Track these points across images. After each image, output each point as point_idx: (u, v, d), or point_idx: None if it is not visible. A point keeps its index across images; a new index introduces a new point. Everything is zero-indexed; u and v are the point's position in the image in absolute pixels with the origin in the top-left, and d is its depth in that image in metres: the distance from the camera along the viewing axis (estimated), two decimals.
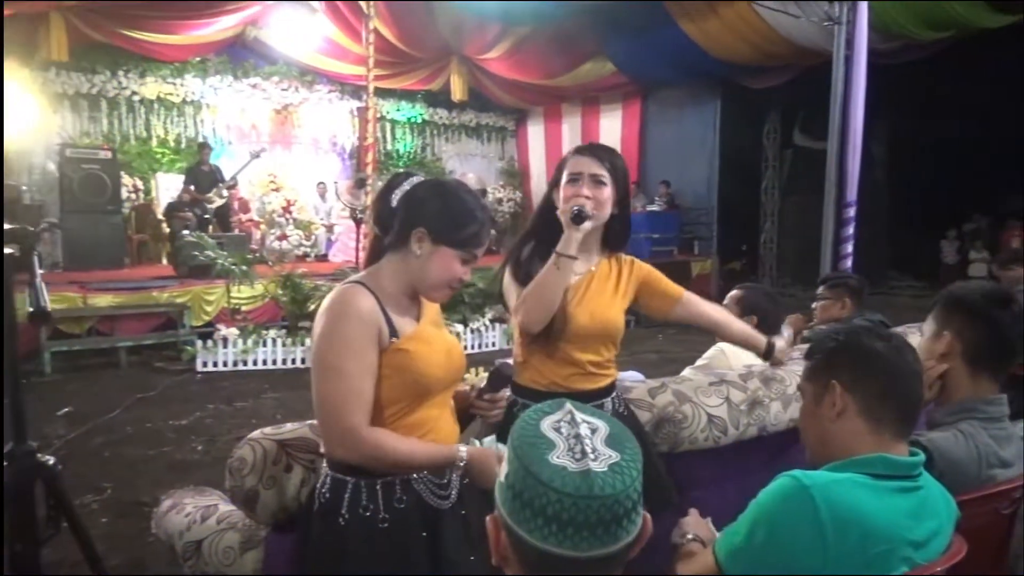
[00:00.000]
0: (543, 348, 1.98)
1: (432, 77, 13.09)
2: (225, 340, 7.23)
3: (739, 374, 2.52)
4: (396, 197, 1.63)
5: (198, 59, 11.67)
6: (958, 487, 1.47)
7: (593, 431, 0.99)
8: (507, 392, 1.76)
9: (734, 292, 2.94)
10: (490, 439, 1.69)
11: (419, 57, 12.21)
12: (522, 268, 1.99)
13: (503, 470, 1.00)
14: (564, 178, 2.01)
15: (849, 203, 4.28)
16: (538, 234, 2.03)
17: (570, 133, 14.49)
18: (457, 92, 13.06)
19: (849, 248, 4.38)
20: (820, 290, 3.54)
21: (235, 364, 7.21)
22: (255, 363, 7.27)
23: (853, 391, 1.35)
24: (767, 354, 2.41)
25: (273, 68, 12.39)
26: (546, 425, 1.00)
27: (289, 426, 1.87)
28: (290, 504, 1.77)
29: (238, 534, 1.84)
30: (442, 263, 1.60)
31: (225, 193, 9.84)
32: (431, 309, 1.73)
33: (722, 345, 2.86)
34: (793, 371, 2.66)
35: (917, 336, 3.16)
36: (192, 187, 9.66)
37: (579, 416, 1.01)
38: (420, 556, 1.58)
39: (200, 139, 11.29)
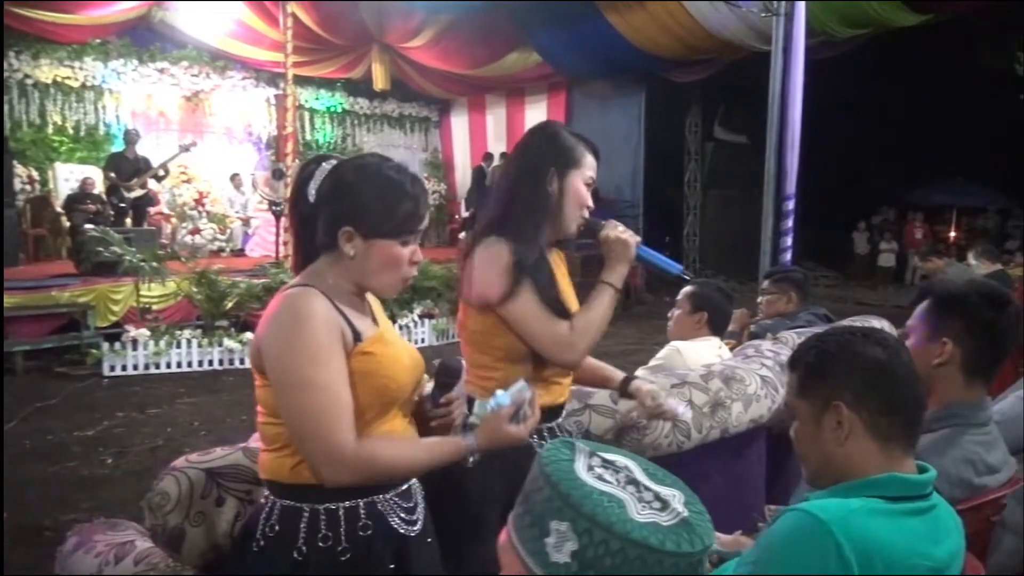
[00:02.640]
0: (535, 370, 1.72)
1: (353, 65, 12.70)
2: (135, 342, 6.75)
3: (700, 375, 2.42)
4: (312, 190, 1.41)
5: (99, 41, 10.94)
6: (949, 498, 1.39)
7: (629, 468, 0.84)
8: (462, 390, 1.53)
9: (687, 288, 2.84)
10: (489, 402, 1.46)
11: (339, 44, 11.81)
12: (545, 292, 1.68)
13: (558, 546, 0.79)
14: (581, 178, 1.73)
15: (788, 196, 4.30)
16: (526, 234, 1.69)
17: (494, 124, 14.35)
18: (379, 81, 12.72)
19: (789, 241, 4.41)
20: (765, 284, 3.50)
21: (146, 367, 6.75)
22: (168, 366, 6.82)
23: (858, 410, 1.22)
24: (622, 389, 1.95)
25: (182, 52, 11.74)
26: (585, 475, 0.82)
27: (219, 451, 1.63)
28: (222, 542, 1.55)
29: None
30: (382, 257, 1.39)
31: (151, 183, 9.30)
32: (378, 311, 1.53)
33: (677, 344, 2.76)
34: (752, 369, 2.59)
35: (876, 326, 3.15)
36: (113, 174, 9.10)
37: (607, 455, 0.86)
38: None
39: (102, 126, 10.59)
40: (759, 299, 3.55)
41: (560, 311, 1.68)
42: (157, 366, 6.78)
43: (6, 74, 10.25)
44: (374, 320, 1.48)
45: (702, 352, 2.72)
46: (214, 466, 1.57)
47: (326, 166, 1.42)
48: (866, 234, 15.32)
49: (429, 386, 1.56)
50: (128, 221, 9.02)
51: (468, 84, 13.38)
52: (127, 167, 9.22)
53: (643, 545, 0.75)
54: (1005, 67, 8.13)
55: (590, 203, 1.76)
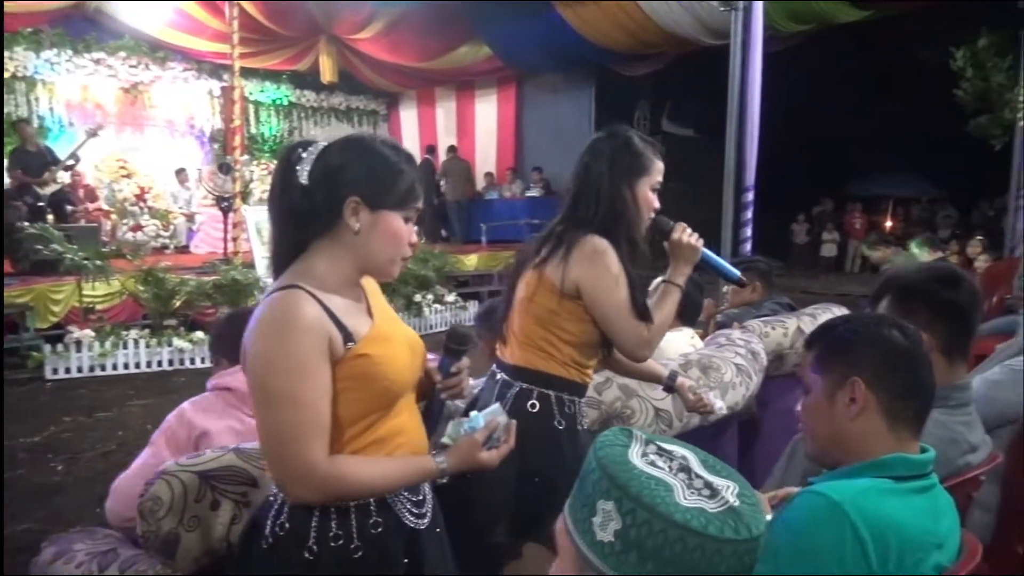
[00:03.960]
0: (590, 356, 1.93)
1: (299, 57, 12.44)
2: (79, 343, 6.50)
3: (679, 364, 2.45)
4: (304, 173, 1.35)
5: (30, 30, 10.45)
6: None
7: (685, 458, 0.85)
8: (467, 360, 1.53)
9: (657, 280, 2.87)
10: (463, 424, 1.47)
11: (286, 35, 11.54)
12: (640, 302, 1.83)
13: (603, 525, 0.81)
14: (653, 182, 1.87)
15: (747, 188, 4.39)
16: (617, 236, 1.83)
17: (444, 117, 14.25)
18: (327, 73, 12.48)
19: (748, 232, 4.50)
20: None
21: (91, 370, 6.51)
22: (115, 367, 6.59)
23: (875, 389, 1.26)
24: (668, 384, 2.17)
25: (119, 43, 11.31)
26: (638, 460, 0.84)
27: (210, 453, 1.59)
28: (217, 546, 1.51)
29: None
30: (388, 230, 1.36)
31: (63, 176, 8.82)
32: (375, 295, 1.48)
33: None
34: (727, 357, 2.64)
35: (829, 316, 3.25)
36: (19, 171, 8.56)
37: (664, 445, 0.87)
38: None
39: (36, 119, 10.13)
40: (724, 289, 3.61)
41: (644, 311, 1.81)
42: (103, 368, 6.54)
43: None
44: (369, 312, 1.43)
45: (677, 342, 2.77)
46: (206, 469, 1.53)
47: (315, 148, 1.37)
48: (806, 225, 15.76)
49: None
50: (50, 219, 8.43)
51: (418, 77, 13.24)
52: (33, 162, 8.62)
53: (684, 527, 0.76)
54: (940, 63, 8.43)
55: (657, 205, 1.89)
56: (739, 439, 2.94)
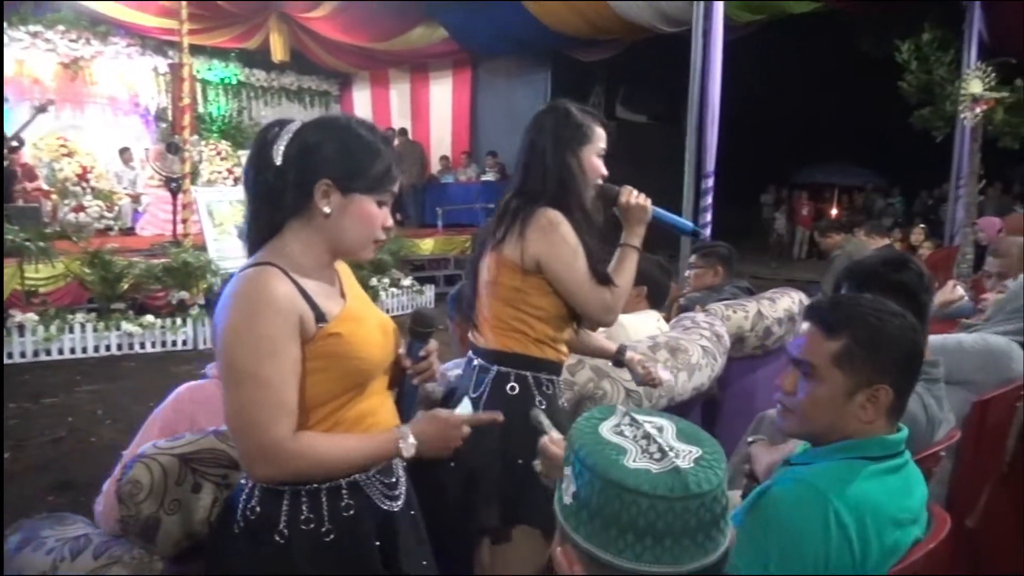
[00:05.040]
0: (563, 329, 1.93)
1: (249, 34, 12.13)
2: (21, 327, 6.28)
3: (647, 346, 2.50)
4: (279, 152, 1.33)
5: None
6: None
7: (659, 429, 0.88)
8: (435, 343, 1.52)
9: None
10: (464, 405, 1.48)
11: (234, 12, 11.23)
12: (600, 268, 1.84)
13: (567, 489, 0.85)
14: (597, 149, 1.89)
15: (708, 174, 4.46)
16: (568, 204, 1.83)
17: (399, 100, 14.07)
18: (277, 52, 12.19)
19: (708, 217, 4.57)
20: (692, 259, 3.64)
21: (35, 355, 6.30)
22: (61, 352, 6.39)
23: (896, 394, 1.28)
24: (617, 358, 2.19)
25: (57, 16, 10.85)
26: (606, 430, 0.88)
27: (188, 436, 1.56)
28: (198, 529, 1.49)
29: (126, 569, 1.51)
30: (360, 214, 1.35)
31: (4, 155, 8.44)
32: (348, 277, 1.48)
33: (620, 317, 2.83)
34: (693, 340, 2.70)
35: (787, 300, 3.33)
36: None
37: (639, 417, 0.90)
38: (376, 570, 1.38)
39: None
40: (686, 273, 3.68)
41: (604, 277, 1.82)
42: (48, 352, 6.35)
43: None
44: (342, 293, 1.42)
45: (644, 325, 2.81)
46: (186, 451, 1.50)
47: (291, 127, 1.36)
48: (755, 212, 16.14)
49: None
50: None
51: (371, 58, 13.03)
52: None
53: (619, 484, 0.79)
54: (885, 55, 8.66)
55: (604, 172, 1.91)
56: (702, 418, 3.02)
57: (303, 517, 1.32)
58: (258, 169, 1.36)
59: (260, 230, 1.38)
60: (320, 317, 1.31)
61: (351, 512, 1.35)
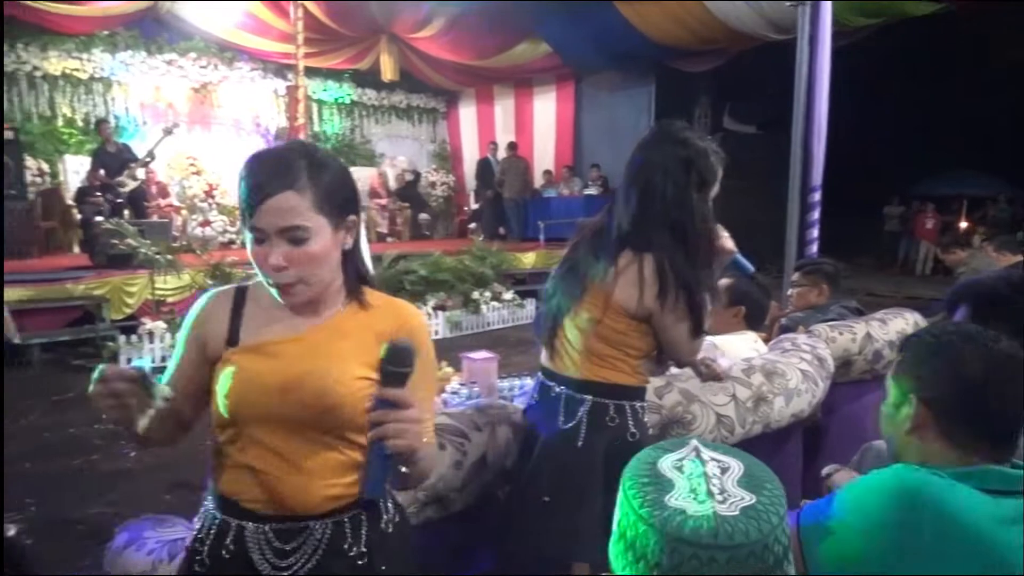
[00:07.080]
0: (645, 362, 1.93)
1: (360, 56, 12.64)
2: (151, 334, 6.75)
3: (741, 369, 2.40)
4: None
5: (106, 33, 10.89)
6: None
7: (724, 469, 0.84)
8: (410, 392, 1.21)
9: (723, 281, 2.81)
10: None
11: (347, 35, 11.75)
12: (701, 321, 1.84)
13: (615, 523, 0.83)
14: (715, 190, 1.87)
15: (814, 187, 4.27)
16: (690, 258, 1.82)
17: (503, 115, 14.29)
18: (387, 72, 12.65)
19: (815, 233, 4.37)
20: (795, 277, 3.47)
21: (163, 359, 6.74)
22: None
23: (935, 411, 1.19)
24: None
25: (189, 44, 11.69)
26: (665, 464, 0.85)
27: None
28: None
29: None
30: (250, 252, 1.21)
31: (139, 174, 9.15)
32: (326, 332, 1.29)
33: (713, 339, 2.73)
34: (792, 363, 2.58)
35: (901, 321, 3.13)
36: (101, 171, 8.91)
37: (707, 453, 0.86)
38: None
39: (112, 119, 10.52)
40: (788, 291, 3.52)
41: (701, 329, 1.86)
42: None
43: (13, 67, 10.21)
44: (299, 330, 1.28)
45: (739, 346, 2.70)
46: None
47: None
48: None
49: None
50: (126, 214, 8.79)
51: (476, 75, 13.31)
52: (112, 161, 8.95)
53: (646, 521, 0.79)
54: (1017, 56, 8.07)
55: (732, 247, 1.99)
56: (804, 446, 2.86)
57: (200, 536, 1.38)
58: None
59: None
60: (233, 340, 1.29)
61: (227, 556, 1.29)
